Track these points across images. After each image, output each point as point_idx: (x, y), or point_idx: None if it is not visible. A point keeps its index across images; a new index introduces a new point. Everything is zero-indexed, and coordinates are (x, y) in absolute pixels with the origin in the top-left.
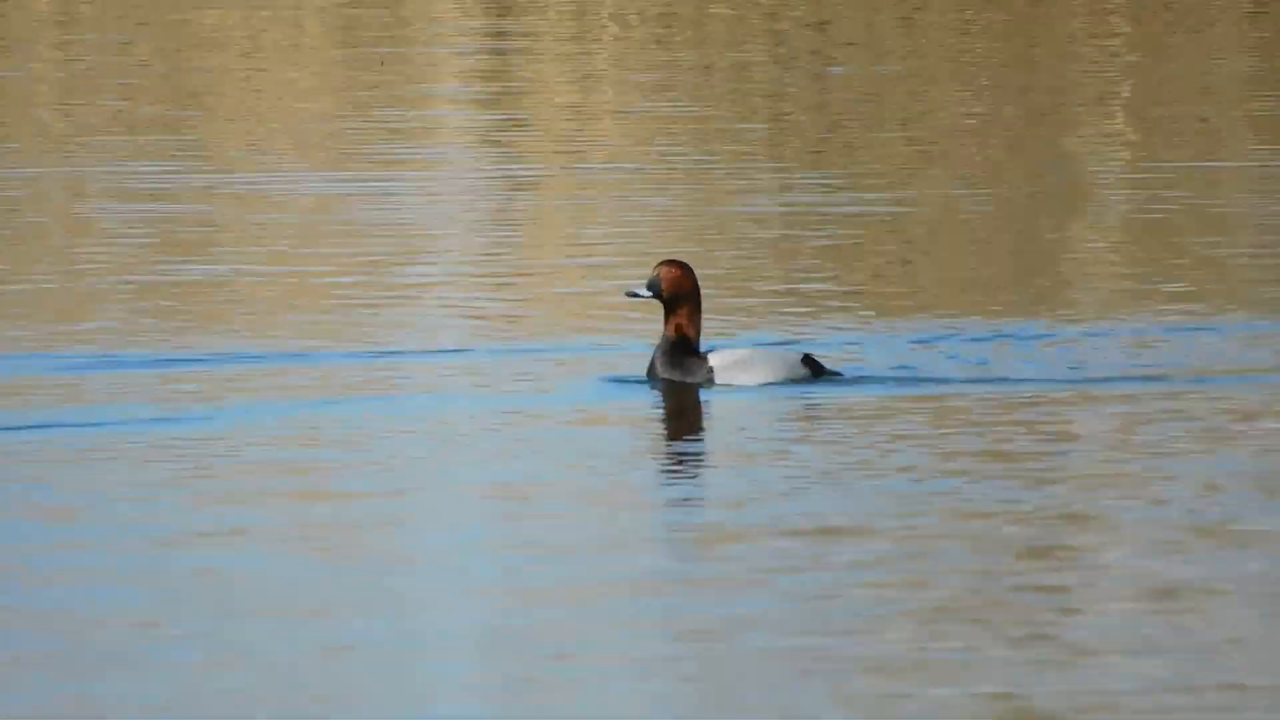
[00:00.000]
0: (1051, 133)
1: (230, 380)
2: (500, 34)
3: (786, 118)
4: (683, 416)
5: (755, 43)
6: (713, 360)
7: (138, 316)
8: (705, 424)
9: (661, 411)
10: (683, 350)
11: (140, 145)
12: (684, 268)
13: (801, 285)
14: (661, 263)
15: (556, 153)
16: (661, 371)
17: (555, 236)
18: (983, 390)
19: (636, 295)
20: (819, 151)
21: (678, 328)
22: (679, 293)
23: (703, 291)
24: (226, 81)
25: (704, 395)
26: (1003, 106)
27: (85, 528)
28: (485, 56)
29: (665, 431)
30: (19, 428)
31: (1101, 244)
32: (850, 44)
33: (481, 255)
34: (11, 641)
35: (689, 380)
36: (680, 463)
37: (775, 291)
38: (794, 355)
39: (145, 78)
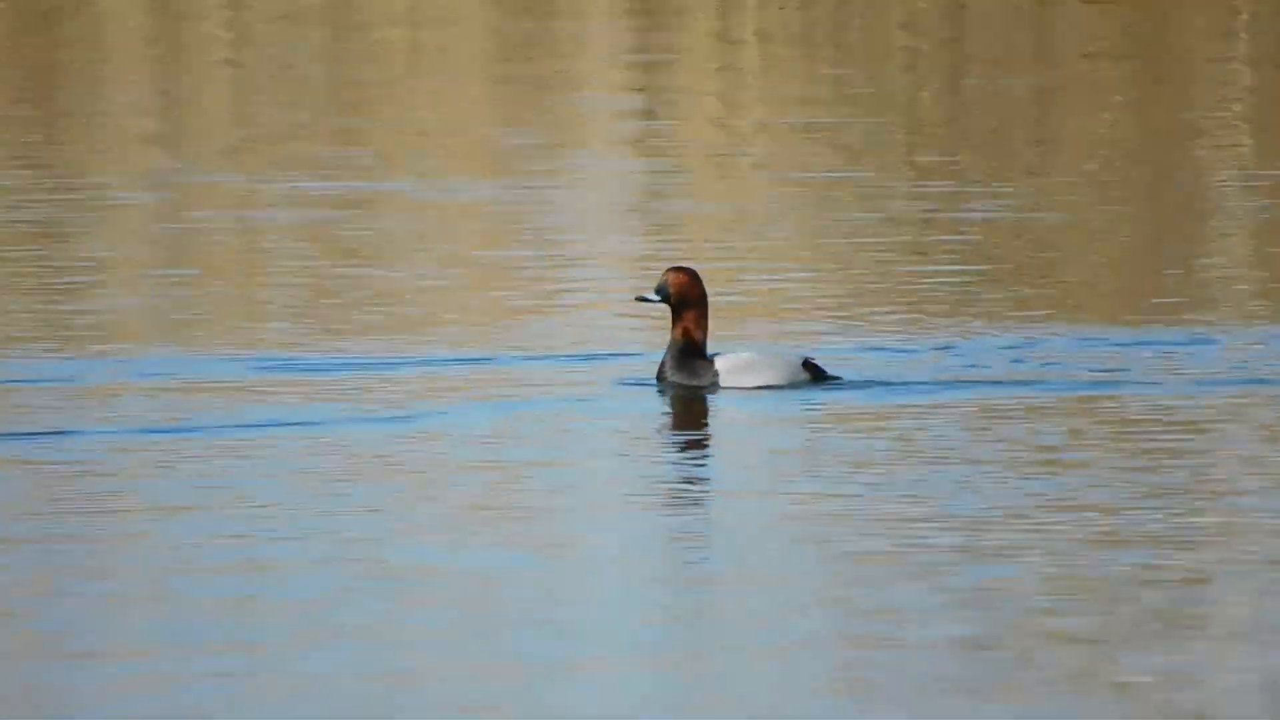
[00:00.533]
0: (1181, 147)
1: (417, 381)
2: (647, 49)
3: (923, 129)
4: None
5: (891, 58)
6: (718, 364)
7: (314, 320)
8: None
9: (670, 412)
10: (690, 354)
11: (311, 155)
12: (691, 274)
13: (927, 288)
14: (670, 269)
15: (702, 161)
16: (670, 375)
17: (703, 244)
18: (1016, 391)
19: (646, 300)
20: (952, 160)
21: (685, 331)
22: (686, 298)
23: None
24: (391, 93)
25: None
26: (1132, 121)
27: (284, 521)
28: (632, 71)
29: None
30: (211, 427)
31: (1231, 254)
32: (984, 59)
33: (632, 261)
34: (208, 630)
35: (696, 383)
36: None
37: (902, 293)
38: (795, 359)
39: (313, 90)
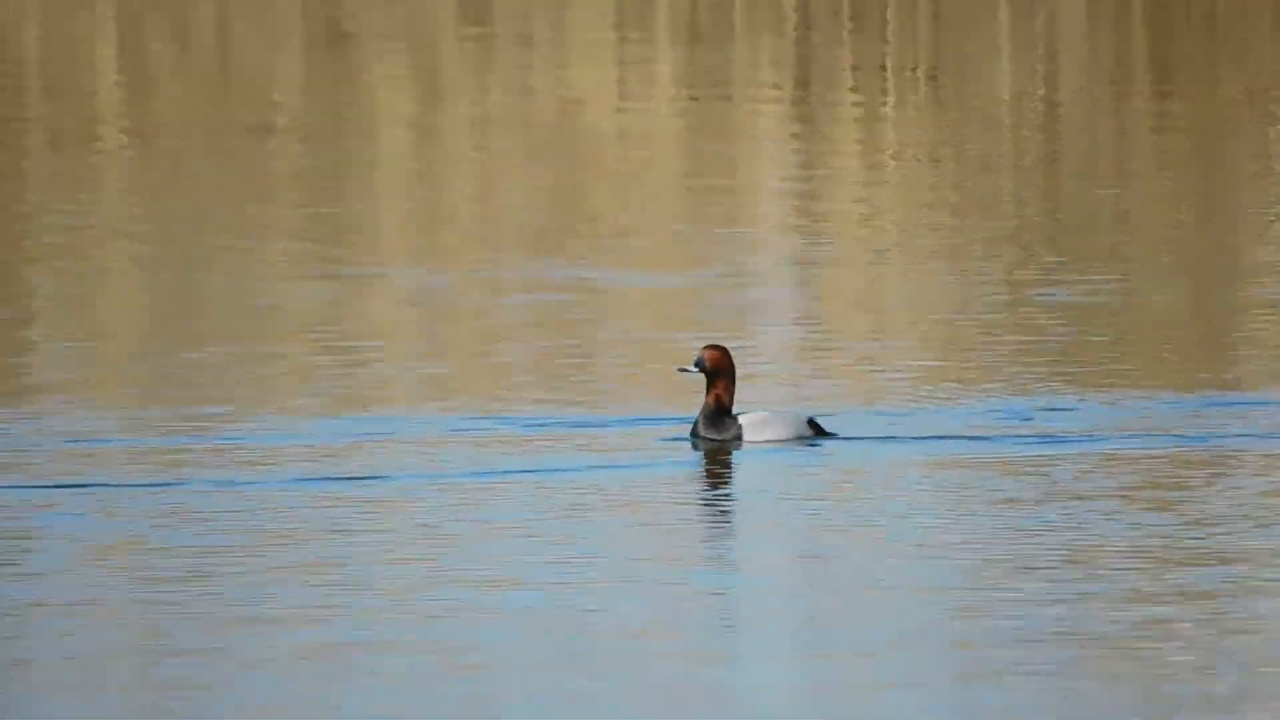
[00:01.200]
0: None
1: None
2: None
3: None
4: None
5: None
6: (741, 420)
7: (527, 388)
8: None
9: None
10: (719, 414)
11: (532, 243)
12: (723, 350)
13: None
14: (706, 346)
15: (850, 226)
16: (703, 431)
17: (847, 312)
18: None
19: (687, 371)
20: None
21: (716, 397)
22: (718, 369)
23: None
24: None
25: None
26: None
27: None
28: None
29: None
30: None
31: None
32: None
33: (803, 324)
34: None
35: (723, 437)
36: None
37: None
38: (802, 418)
39: (532, 191)
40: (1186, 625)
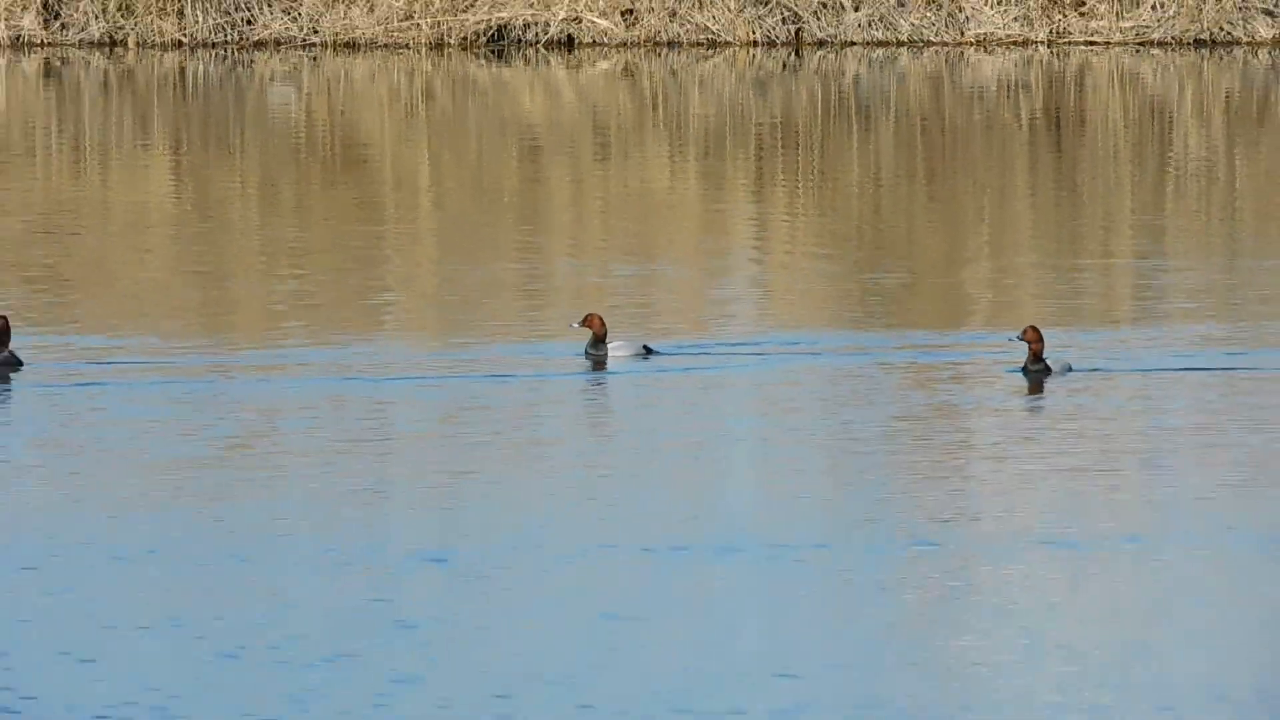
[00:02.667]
0: None
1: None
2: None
3: None
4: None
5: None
6: (609, 345)
7: None
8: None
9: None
10: (597, 342)
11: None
12: (597, 315)
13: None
14: (587, 314)
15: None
16: (590, 351)
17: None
18: None
19: (573, 326)
20: None
21: (594, 334)
22: (589, 323)
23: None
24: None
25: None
26: None
27: None
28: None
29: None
30: None
31: None
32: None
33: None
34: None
35: (598, 354)
36: None
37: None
38: (639, 344)
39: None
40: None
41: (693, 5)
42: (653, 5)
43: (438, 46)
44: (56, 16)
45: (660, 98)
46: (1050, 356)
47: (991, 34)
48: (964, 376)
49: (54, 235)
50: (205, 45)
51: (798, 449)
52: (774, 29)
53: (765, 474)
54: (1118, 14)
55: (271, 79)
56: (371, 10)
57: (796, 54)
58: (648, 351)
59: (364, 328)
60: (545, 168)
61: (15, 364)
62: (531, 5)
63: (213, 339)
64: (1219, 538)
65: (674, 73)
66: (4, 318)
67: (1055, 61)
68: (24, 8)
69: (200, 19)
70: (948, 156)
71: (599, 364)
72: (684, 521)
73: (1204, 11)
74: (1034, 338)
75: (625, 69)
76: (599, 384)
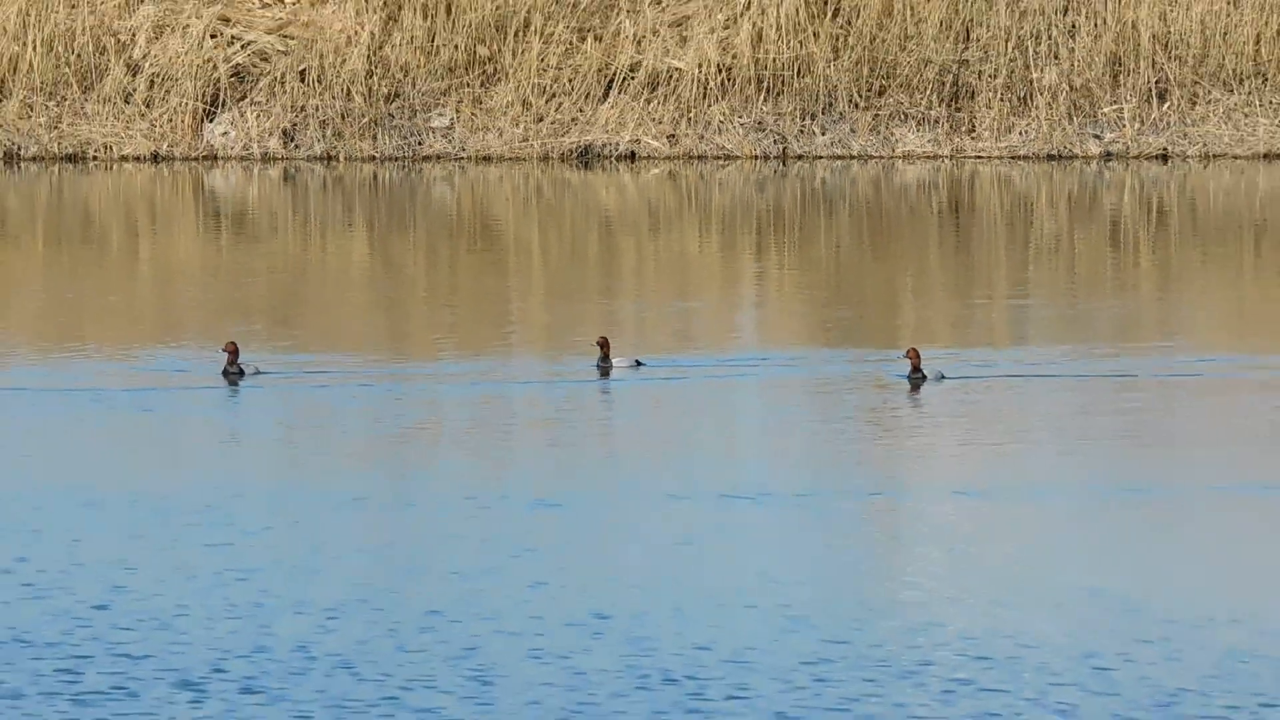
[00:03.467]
0: None
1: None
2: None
3: None
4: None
5: None
6: (613, 360)
7: None
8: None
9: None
10: (604, 358)
11: None
12: (604, 338)
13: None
14: (600, 337)
15: None
16: (600, 364)
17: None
18: None
19: (595, 345)
20: None
21: (603, 352)
22: (601, 344)
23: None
24: None
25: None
26: None
27: None
28: None
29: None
30: None
31: None
32: None
33: None
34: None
35: (605, 366)
36: None
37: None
38: (633, 359)
39: None
40: None
41: (715, 131)
42: (688, 131)
43: (545, 159)
44: (292, 139)
45: (693, 193)
46: (926, 367)
47: (912, 151)
48: (872, 382)
49: (285, 285)
50: (391, 158)
51: (759, 429)
52: (769, 147)
53: (736, 446)
54: (996, 137)
55: (434, 181)
56: (500, 135)
57: (783, 164)
58: (638, 364)
59: (495, 347)
60: (615, 238)
61: (243, 373)
62: (606, 131)
63: (392, 354)
64: (1066, 487)
65: (702, 176)
66: (234, 343)
67: (955, 170)
68: (270, 134)
69: (388, 140)
70: (884, 231)
71: (605, 373)
72: (688, 471)
73: (1054, 135)
74: (913, 355)
75: (670, 174)
76: (605, 389)
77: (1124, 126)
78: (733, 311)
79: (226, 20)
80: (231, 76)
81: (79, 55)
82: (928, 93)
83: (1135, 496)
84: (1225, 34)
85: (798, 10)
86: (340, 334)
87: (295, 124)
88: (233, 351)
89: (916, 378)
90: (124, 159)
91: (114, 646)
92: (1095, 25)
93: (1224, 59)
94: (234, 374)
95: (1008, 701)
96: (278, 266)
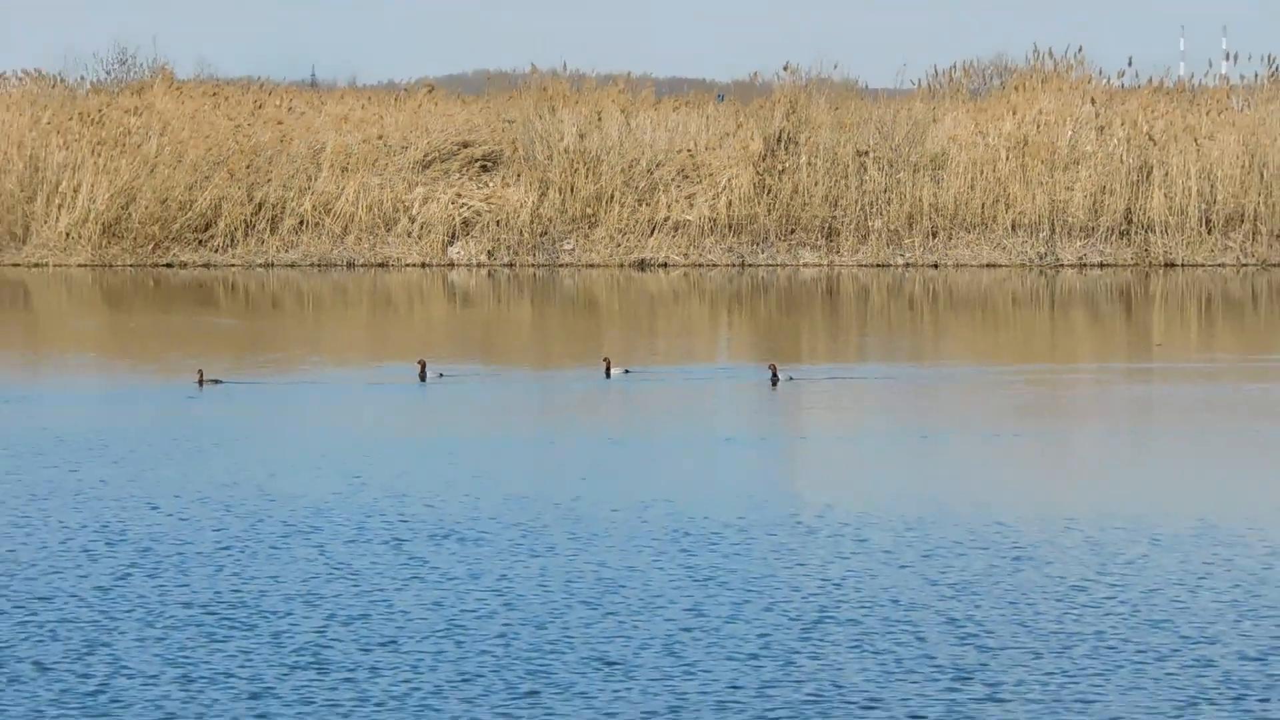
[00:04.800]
0: None
1: None
2: None
3: None
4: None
5: None
6: (612, 369)
7: None
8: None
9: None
10: (609, 369)
11: None
12: (607, 358)
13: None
14: (604, 358)
15: None
16: (609, 371)
17: None
18: None
19: (606, 360)
20: None
21: (607, 365)
22: (607, 362)
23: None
24: None
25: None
26: None
27: None
28: None
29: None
30: None
31: None
32: None
33: None
34: None
35: (613, 372)
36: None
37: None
38: (623, 369)
39: None
40: None
41: (707, 251)
42: (692, 252)
43: (620, 266)
44: (493, 255)
45: (694, 284)
46: (781, 373)
47: (808, 262)
48: (763, 380)
49: (480, 327)
50: (542, 266)
51: (709, 412)
52: (734, 260)
53: (698, 419)
54: (851, 254)
55: (563, 277)
56: (598, 254)
57: (741, 270)
58: (625, 371)
59: (580, 359)
60: (654, 304)
61: (426, 378)
62: (651, 251)
63: (531, 364)
64: (898, 438)
65: (698, 275)
66: (422, 360)
67: (830, 272)
68: (481, 252)
69: (540, 256)
70: (789, 302)
71: (607, 375)
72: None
73: (880, 253)
74: (772, 367)
75: (684, 274)
76: (608, 387)
77: (915, 249)
78: (698, 342)
79: (459, 195)
80: (461, 223)
81: (383, 210)
82: (815, 232)
83: (907, 438)
84: (966, 204)
85: (750, 190)
86: (506, 353)
87: (493, 248)
88: (422, 364)
89: (775, 380)
90: (407, 265)
91: None
92: (901, 198)
93: (964, 217)
94: (424, 378)
95: None
96: (482, 319)
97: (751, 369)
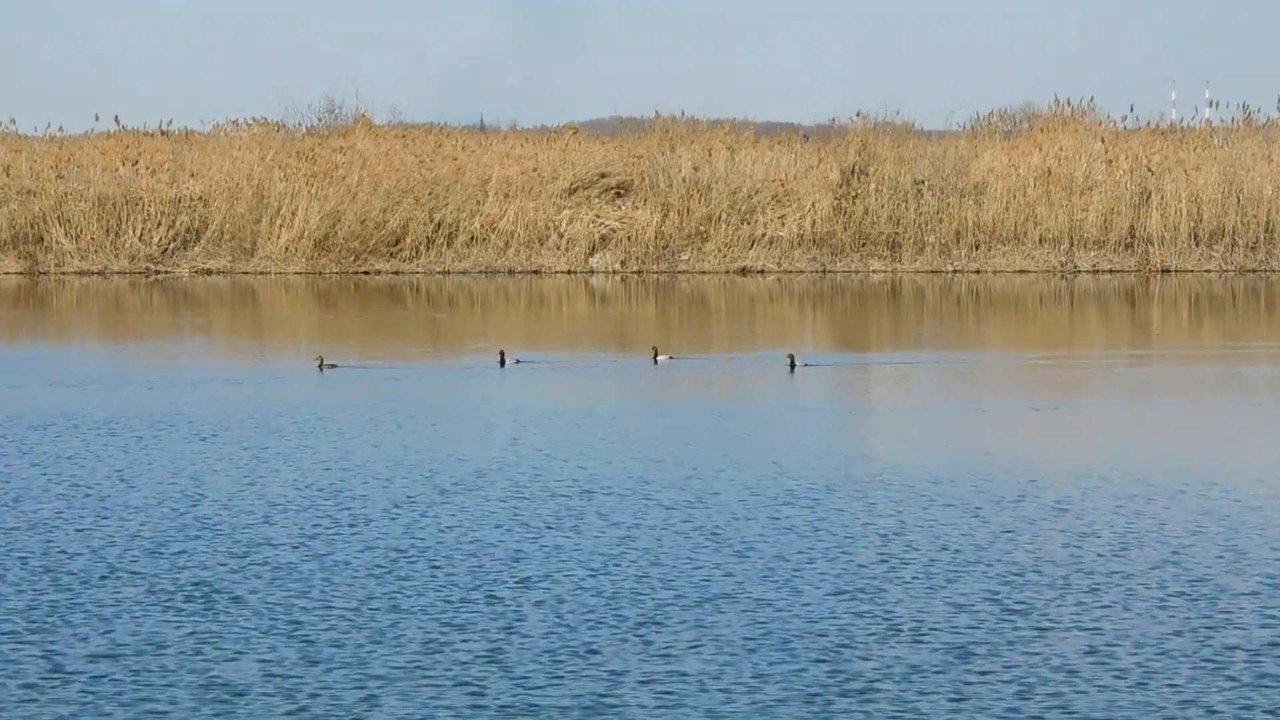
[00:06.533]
0: None
1: None
2: None
3: None
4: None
5: None
6: (659, 357)
7: None
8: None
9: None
10: (656, 355)
11: None
12: (654, 346)
13: None
14: (653, 346)
15: None
16: (655, 358)
17: None
18: None
19: (654, 349)
20: None
21: (655, 351)
22: (655, 350)
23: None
24: None
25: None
26: None
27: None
28: None
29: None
30: None
31: None
32: None
33: None
34: None
35: (659, 359)
36: None
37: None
38: (665, 356)
39: None
40: None
41: (795, 261)
42: (784, 261)
43: (726, 273)
44: (625, 264)
45: (785, 288)
46: (797, 358)
47: (877, 269)
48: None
49: (608, 322)
50: (664, 273)
51: (691, 388)
52: (818, 268)
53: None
54: (911, 262)
55: (681, 282)
56: (708, 262)
57: (823, 275)
58: (670, 358)
59: (698, 345)
60: (755, 303)
61: (509, 362)
62: (751, 261)
63: (597, 350)
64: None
65: (789, 280)
66: (501, 350)
67: (893, 278)
68: (616, 261)
69: (663, 265)
70: (861, 303)
71: (654, 360)
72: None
73: (933, 261)
74: (791, 357)
75: (778, 279)
76: (650, 369)
77: (961, 259)
78: (789, 331)
79: (598, 216)
80: (599, 239)
81: (537, 228)
82: (881, 245)
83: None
84: (1002, 222)
85: (830, 212)
86: (567, 339)
87: (625, 258)
88: (501, 353)
89: (793, 367)
90: (556, 272)
91: None
92: (950, 218)
93: (1000, 233)
94: (503, 363)
95: None
96: (614, 316)
97: (831, 356)
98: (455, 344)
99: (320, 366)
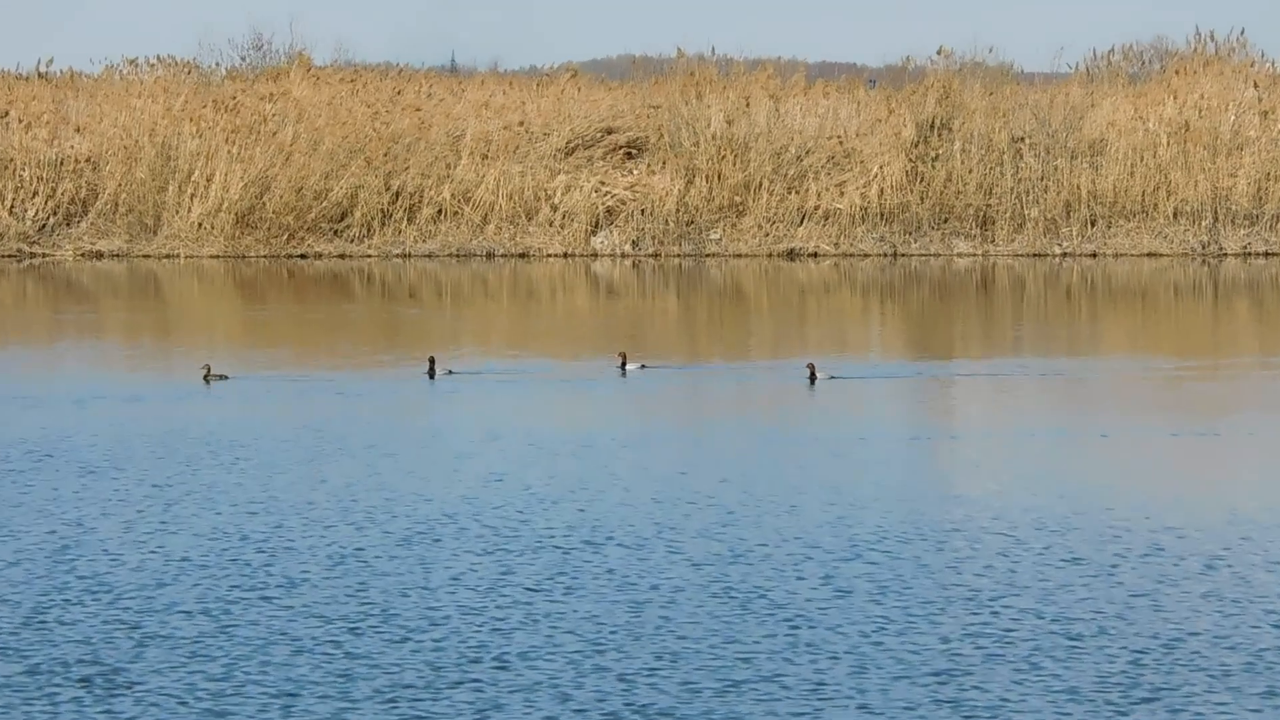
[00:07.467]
0: None
1: None
2: None
3: None
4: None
5: None
6: (627, 365)
7: None
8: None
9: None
10: (623, 365)
11: None
12: (623, 353)
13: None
14: (620, 352)
15: None
16: (623, 366)
17: None
18: None
19: (621, 356)
20: None
21: (623, 359)
22: (623, 356)
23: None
24: None
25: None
26: None
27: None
28: None
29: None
30: None
31: None
32: None
33: None
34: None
35: (624, 369)
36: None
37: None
38: (637, 364)
39: None
40: None
41: (858, 240)
42: (843, 241)
43: (769, 256)
44: (637, 245)
45: (844, 274)
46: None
47: (962, 252)
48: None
49: (623, 316)
50: (688, 256)
51: (700, 398)
52: (885, 250)
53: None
54: (1007, 244)
55: (710, 268)
56: (745, 243)
57: (893, 260)
58: (641, 367)
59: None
60: (804, 295)
61: (439, 371)
62: (801, 241)
63: (564, 355)
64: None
65: (849, 265)
66: (431, 357)
67: (984, 262)
68: (625, 242)
69: (686, 246)
70: (943, 293)
71: (622, 370)
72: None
73: (1036, 243)
74: (811, 367)
75: (835, 264)
76: (623, 377)
77: (1072, 238)
78: (822, 331)
79: (603, 184)
80: (604, 212)
81: (524, 199)
82: (969, 221)
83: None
84: (1126, 191)
85: (902, 178)
86: (663, 345)
87: (638, 237)
88: (431, 361)
89: (812, 380)
90: (549, 256)
91: None
92: (1058, 186)
93: (1124, 205)
94: (432, 374)
95: None
96: (624, 310)
97: (912, 366)
98: (411, 349)
99: (206, 378)
